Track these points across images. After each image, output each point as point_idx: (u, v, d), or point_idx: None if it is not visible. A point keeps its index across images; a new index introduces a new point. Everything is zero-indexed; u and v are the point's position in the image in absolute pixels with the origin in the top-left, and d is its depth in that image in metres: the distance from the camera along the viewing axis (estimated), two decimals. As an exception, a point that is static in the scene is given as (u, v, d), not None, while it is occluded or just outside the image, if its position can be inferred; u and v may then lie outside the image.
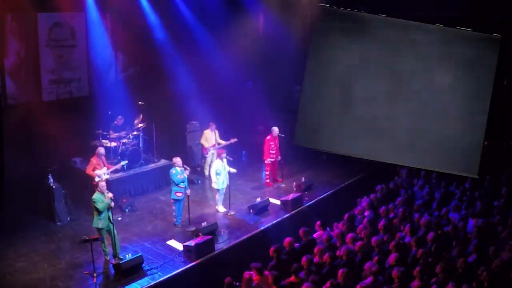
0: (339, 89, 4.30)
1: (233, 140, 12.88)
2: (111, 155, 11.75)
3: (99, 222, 8.67)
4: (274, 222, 10.61)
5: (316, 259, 7.64)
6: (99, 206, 8.55)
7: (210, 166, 12.97)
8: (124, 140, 12.07)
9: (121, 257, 8.82)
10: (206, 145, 12.94)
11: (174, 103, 14.19)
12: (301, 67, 4.35)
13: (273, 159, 12.50)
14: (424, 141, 4.25)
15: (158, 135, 12.91)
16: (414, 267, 7.13)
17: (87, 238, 8.19)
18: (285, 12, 15.04)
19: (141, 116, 12.60)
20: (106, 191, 8.70)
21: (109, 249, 8.92)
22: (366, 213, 9.74)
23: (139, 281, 8.25)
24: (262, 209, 11.03)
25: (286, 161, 13.01)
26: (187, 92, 14.20)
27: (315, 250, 7.84)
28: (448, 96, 4.19)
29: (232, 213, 10.96)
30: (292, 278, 7.16)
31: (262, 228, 10.32)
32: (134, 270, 8.45)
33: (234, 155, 12.01)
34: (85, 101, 13.56)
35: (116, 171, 11.41)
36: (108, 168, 10.82)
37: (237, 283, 7.34)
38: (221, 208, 11.09)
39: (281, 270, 7.22)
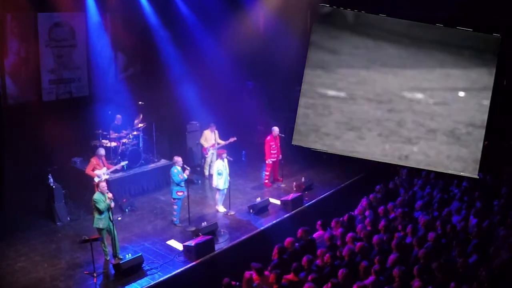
0: (339, 89, 4.31)
1: (232, 139, 12.87)
2: (111, 155, 11.74)
3: (100, 222, 8.67)
4: (274, 222, 10.60)
5: (318, 261, 7.64)
6: (101, 206, 8.55)
7: (210, 166, 13.00)
8: (124, 140, 12.06)
9: (121, 257, 8.82)
10: (206, 145, 12.94)
11: (174, 103, 14.20)
12: (301, 67, 4.36)
13: (274, 159, 12.50)
14: (424, 141, 4.26)
15: (158, 135, 12.90)
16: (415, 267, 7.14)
17: (87, 238, 8.22)
18: (285, 12, 15.04)
19: (141, 116, 12.59)
20: (107, 191, 8.71)
21: (109, 249, 8.92)
22: (366, 213, 9.73)
23: (139, 281, 8.26)
24: (262, 209, 11.02)
25: (286, 161, 13.00)
26: (187, 92, 14.21)
27: (318, 252, 7.83)
28: (448, 96, 4.20)
29: (232, 213, 10.96)
30: (291, 277, 7.16)
31: (262, 228, 10.32)
32: (134, 270, 8.45)
33: (234, 155, 12.01)
34: (85, 101, 13.58)
35: (116, 171, 11.41)
36: (108, 169, 10.82)
37: (237, 283, 7.34)
38: (221, 208, 11.08)
39: (282, 270, 7.22)
